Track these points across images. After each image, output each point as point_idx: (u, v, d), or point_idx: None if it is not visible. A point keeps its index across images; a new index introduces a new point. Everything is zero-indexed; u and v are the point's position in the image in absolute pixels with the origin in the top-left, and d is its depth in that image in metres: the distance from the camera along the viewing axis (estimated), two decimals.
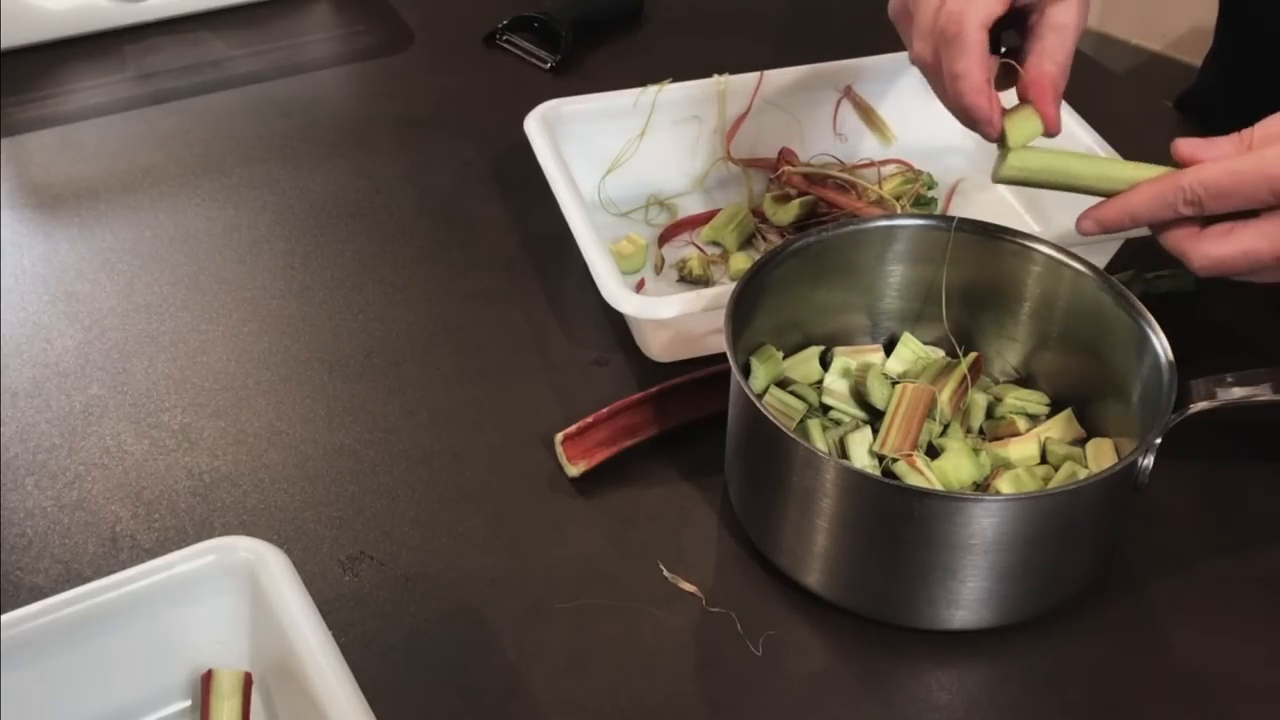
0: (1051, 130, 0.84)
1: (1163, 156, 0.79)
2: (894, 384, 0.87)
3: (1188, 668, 0.80)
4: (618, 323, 0.99)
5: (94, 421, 0.93)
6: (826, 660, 0.79)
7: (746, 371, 0.88)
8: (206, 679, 0.72)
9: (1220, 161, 0.74)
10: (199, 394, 0.95)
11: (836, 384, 0.89)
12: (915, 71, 1.14)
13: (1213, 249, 0.76)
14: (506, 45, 1.32)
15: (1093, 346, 0.86)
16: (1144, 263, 1.01)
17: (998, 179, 0.83)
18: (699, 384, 0.91)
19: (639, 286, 1.03)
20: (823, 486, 0.77)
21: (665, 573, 0.83)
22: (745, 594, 0.82)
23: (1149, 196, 0.76)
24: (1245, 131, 0.76)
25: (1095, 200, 0.81)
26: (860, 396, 0.87)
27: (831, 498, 0.77)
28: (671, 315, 0.91)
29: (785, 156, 1.12)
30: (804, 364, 0.90)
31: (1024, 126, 0.82)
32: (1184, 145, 0.77)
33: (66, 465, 0.90)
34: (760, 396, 0.87)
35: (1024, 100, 0.84)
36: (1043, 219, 1.09)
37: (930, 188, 1.11)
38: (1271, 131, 0.75)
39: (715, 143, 1.12)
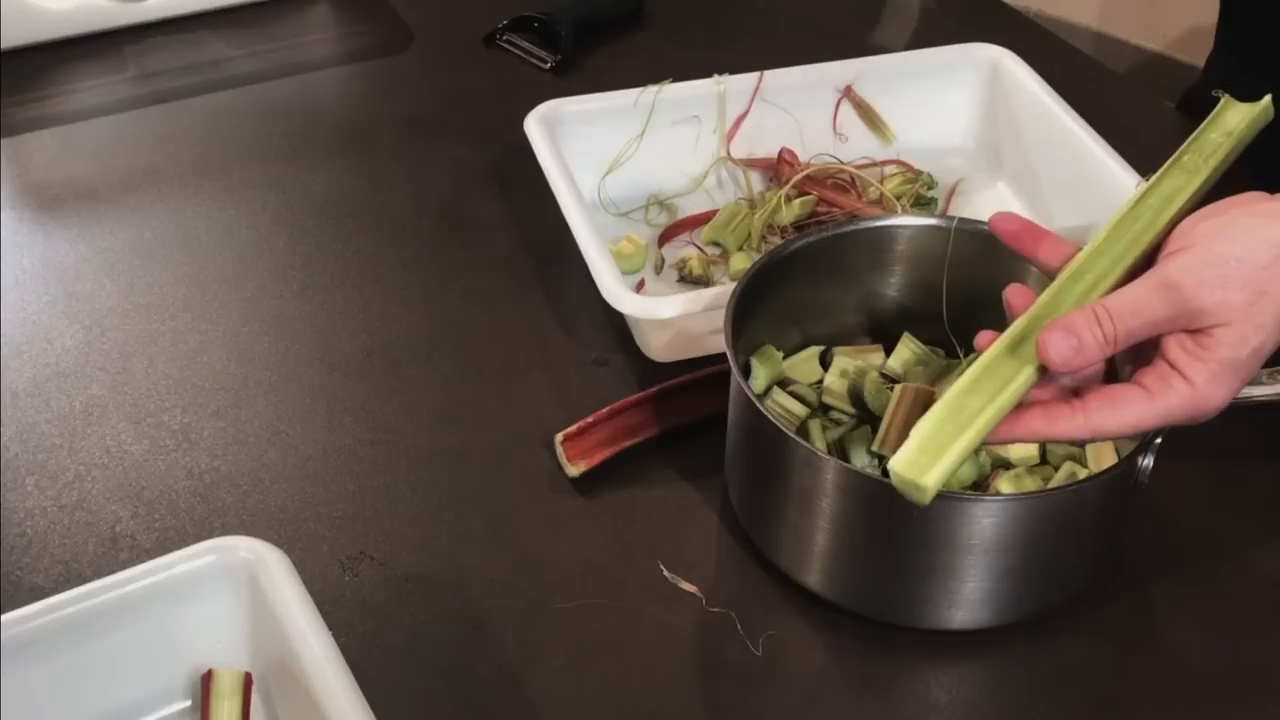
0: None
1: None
2: (892, 385, 0.87)
3: (1188, 668, 0.80)
4: (618, 323, 0.99)
5: (94, 421, 0.93)
6: (826, 660, 0.79)
7: (746, 371, 0.88)
8: (206, 679, 0.72)
9: (1115, 414, 0.69)
10: (199, 394, 0.95)
11: (836, 384, 0.89)
12: (915, 71, 1.15)
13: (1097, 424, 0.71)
14: (506, 45, 1.32)
15: None
16: None
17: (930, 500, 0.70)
18: (699, 384, 0.91)
19: (639, 286, 1.03)
20: (823, 486, 0.77)
21: (665, 573, 0.83)
22: (745, 594, 0.82)
23: (1047, 436, 0.71)
24: (1107, 324, 0.69)
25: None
26: (859, 398, 0.87)
27: (831, 498, 0.77)
28: (671, 315, 0.91)
29: (785, 156, 1.12)
30: (804, 364, 0.90)
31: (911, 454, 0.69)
32: (1055, 357, 0.68)
33: (66, 465, 0.90)
34: (760, 397, 0.87)
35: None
36: (1043, 219, 1.09)
37: (930, 188, 1.11)
38: (1135, 326, 0.69)
39: (715, 143, 1.12)
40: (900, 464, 0.68)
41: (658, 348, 0.96)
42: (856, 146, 1.14)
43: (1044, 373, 0.70)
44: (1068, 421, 0.69)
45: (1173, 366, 0.69)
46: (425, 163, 1.17)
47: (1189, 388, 0.69)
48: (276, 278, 1.05)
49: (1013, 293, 0.74)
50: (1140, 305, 0.69)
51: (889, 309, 0.93)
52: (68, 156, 1.18)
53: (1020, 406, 0.70)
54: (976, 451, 0.84)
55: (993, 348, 0.71)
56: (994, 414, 0.68)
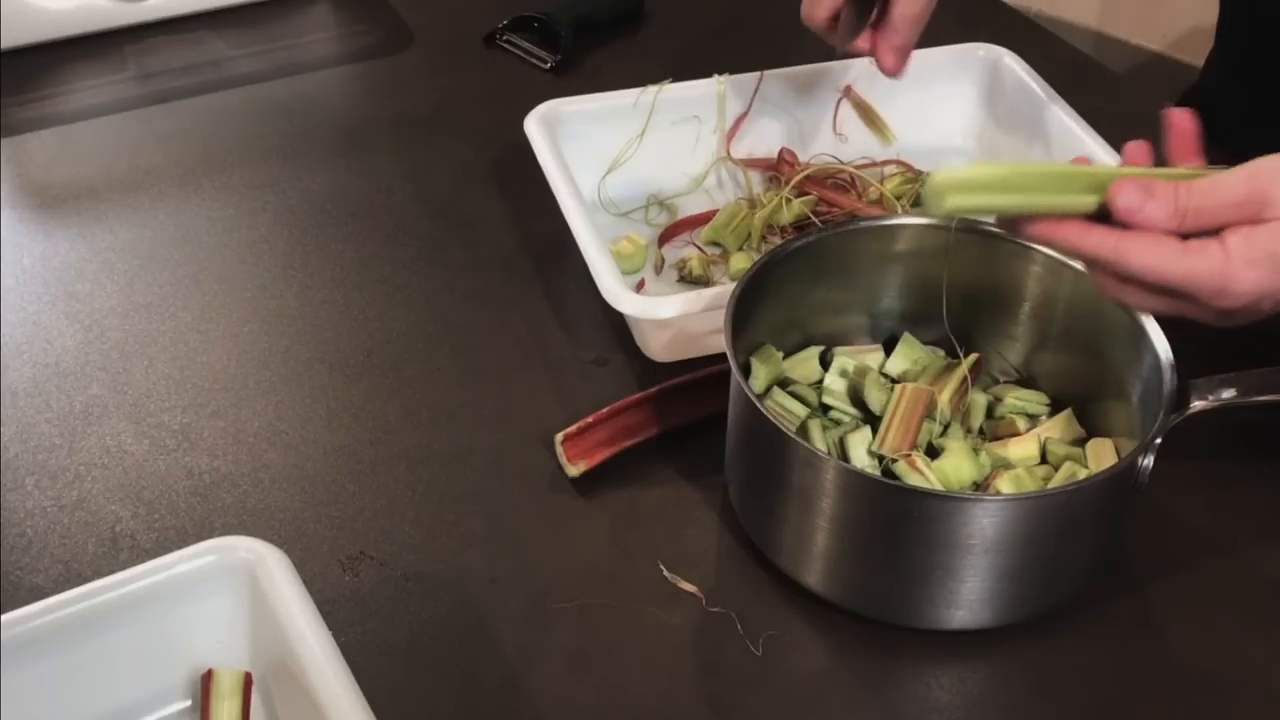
0: (886, 70, 1.01)
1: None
2: (893, 385, 0.87)
3: (1188, 668, 0.80)
4: (618, 323, 0.99)
5: (94, 421, 0.93)
6: (826, 660, 0.79)
7: (746, 371, 0.88)
8: (206, 679, 0.72)
9: (1153, 251, 0.70)
10: (199, 394, 0.95)
11: (836, 384, 0.89)
12: (915, 71, 1.15)
13: (1124, 295, 0.73)
14: (506, 45, 1.32)
15: (1093, 346, 0.86)
16: None
17: (933, 215, 0.79)
18: (699, 384, 0.91)
19: (639, 286, 1.03)
20: (823, 486, 0.77)
21: (665, 573, 0.83)
22: (745, 594, 0.82)
23: (1071, 247, 0.72)
24: (1186, 191, 0.70)
25: None
26: (859, 398, 0.87)
27: (831, 498, 0.77)
28: (671, 315, 0.91)
29: (785, 156, 1.12)
30: (804, 364, 0.90)
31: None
32: (1122, 203, 0.71)
33: (66, 465, 0.90)
34: (760, 397, 0.87)
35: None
36: None
37: None
38: (1206, 204, 0.70)
39: (715, 143, 1.12)
40: (941, 176, 0.71)
41: (658, 348, 0.96)
42: (856, 146, 1.14)
43: (1106, 215, 0.71)
44: (1100, 238, 0.71)
45: (1218, 236, 0.70)
46: (425, 163, 1.17)
47: (1223, 257, 0.69)
48: (276, 278, 1.05)
49: (1132, 147, 0.75)
50: (1219, 184, 0.70)
51: (889, 309, 0.93)
52: (68, 156, 1.18)
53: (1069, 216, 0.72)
54: (977, 451, 0.84)
55: (1088, 167, 0.73)
56: (1040, 202, 0.71)
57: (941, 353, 0.92)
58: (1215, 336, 0.97)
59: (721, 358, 0.84)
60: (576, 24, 1.30)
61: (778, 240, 1.05)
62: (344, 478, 0.89)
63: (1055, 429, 0.87)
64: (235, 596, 0.72)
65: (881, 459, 0.84)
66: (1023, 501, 0.76)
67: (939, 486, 0.81)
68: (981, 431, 0.88)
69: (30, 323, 1.00)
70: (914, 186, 1.09)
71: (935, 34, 1.18)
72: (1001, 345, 0.91)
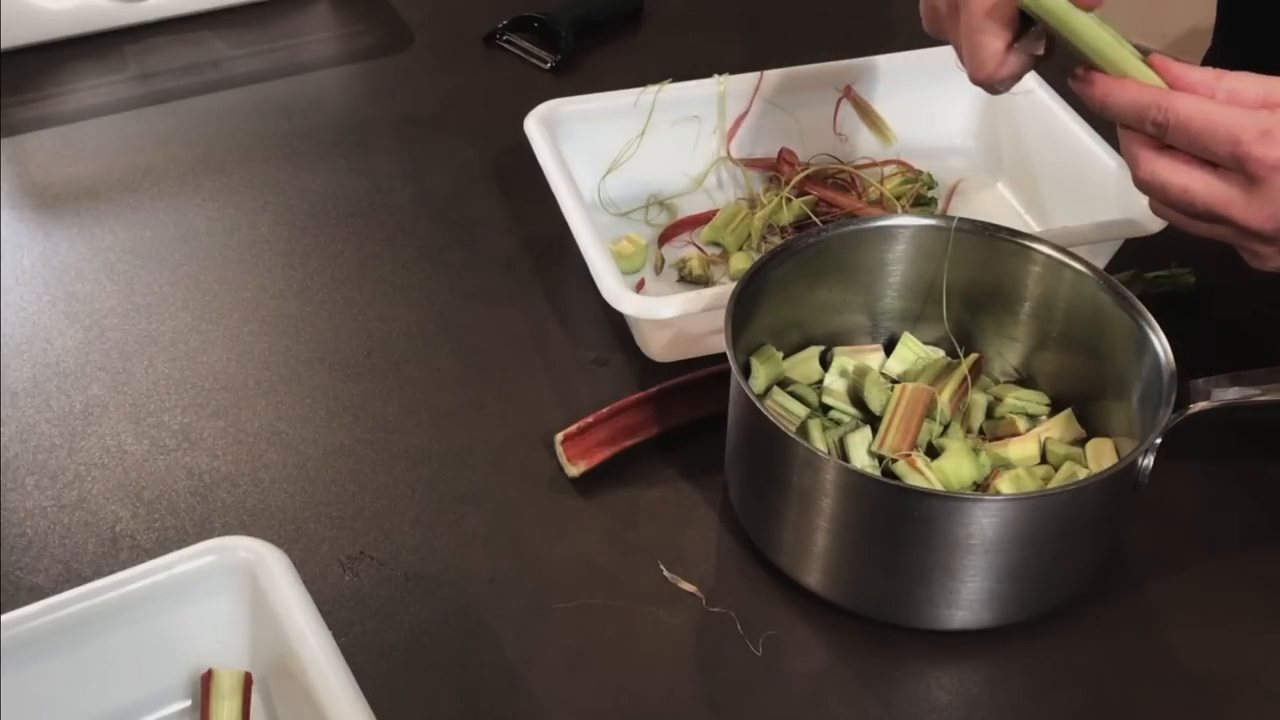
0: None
1: None
2: (893, 385, 0.87)
3: (1188, 668, 0.80)
4: (618, 323, 0.99)
5: (94, 421, 0.93)
6: (826, 660, 0.80)
7: (746, 371, 0.88)
8: (206, 679, 0.72)
9: (1200, 100, 0.74)
10: (199, 394, 0.95)
11: (836, 384, 0.89)
12: (915, 71, 1.15)
13: (1160, 169, 0.76)
14: (506, 45, 1.32)
15: (1093, 346, 0.86)
16: (1144, 263, 1.01)
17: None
18: (699, 384, 0.91)
19: (639, 286, 1.03)
20: (823, 486, 0.77)
21: (665, 573, 0.83)
22: (745, 594, 0.82)
23: (1127, 101, 0.76)
24: (1218, 74, 0.75)
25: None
26: (859, 398, 0.87)
27: (831, 498, 0.77)
28: (671, 315, 0.91)
29: (785, 156, 1.12)
30: (804, 364, 0.90)
31: None
32: (1159, 59, 0.77)
33: (66, 465, 0.90)
34: (761, 397, 0.87)
35: None
36: (1043, 219, 1.09)
37: (930, 188, 1.11)
38: (1237, 89, 0.74)
39: (715, 143, 1.12)
40: None
41: (658, 348, 0.96)
42: (856, 146, 1.14)
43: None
44: (1153, 90, 0.75)
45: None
46: (425, 163, 1.17)
47: (1269, 115, 0.72)
48: (276, 278, 1.05)
49: (1160, 59, 0.79)
50: (1253, 76, 0.74)
51: (889, 309, 0.93)
52: (68, 156, 1.18)
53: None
54: (977, 451, 0.84)
55: (1129, 57, 0.78)
56: (1104, 38, 0.78)
57: (941, 353, 0.92)
58: (1215, 336, 0.97)
59: (721, 358, 0.84)
60: (576, 24, 1.30)
61: (778, 240, 1.05)
62: (344, 478, 0.89)
63: (1055, 429, 0.87)
64: (235, 596, 0.72)
65: (881, 459, 0.84)
66: (1023, 501, 0.76)
67: (939, 486, 0.81)
68: (981, 431, 0.88)
69: (30, 323, 1.00)
70: (914, 186, 1.09)
71: None
72: (1001, 345, 0.91)
